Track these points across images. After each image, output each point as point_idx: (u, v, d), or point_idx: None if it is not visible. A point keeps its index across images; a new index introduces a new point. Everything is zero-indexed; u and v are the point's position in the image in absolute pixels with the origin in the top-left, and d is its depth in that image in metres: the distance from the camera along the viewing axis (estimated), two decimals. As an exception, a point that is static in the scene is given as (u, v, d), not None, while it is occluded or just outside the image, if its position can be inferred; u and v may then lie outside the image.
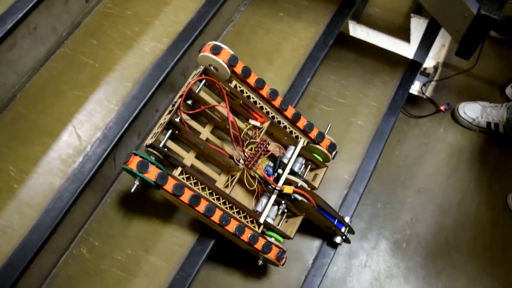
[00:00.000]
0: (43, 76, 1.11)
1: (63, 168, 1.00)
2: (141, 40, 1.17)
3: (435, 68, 1.83)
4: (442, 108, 1.73)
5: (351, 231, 1.24)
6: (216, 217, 0.95)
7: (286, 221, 1.14)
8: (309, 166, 1.16)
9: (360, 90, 1.46)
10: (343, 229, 1.20)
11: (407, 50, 1.61)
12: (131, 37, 1.17)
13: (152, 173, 0.88)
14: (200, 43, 1.24)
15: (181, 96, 0.94)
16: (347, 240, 1.26)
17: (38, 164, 1.00)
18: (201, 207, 0.93)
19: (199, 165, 1.02)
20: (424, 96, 1.70)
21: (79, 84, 1.10)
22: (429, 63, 1.83)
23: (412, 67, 1.52)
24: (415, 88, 1.72)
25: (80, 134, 1.04)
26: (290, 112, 1.11)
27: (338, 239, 1.26)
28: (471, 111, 1.71)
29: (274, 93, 1.07)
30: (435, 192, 1.60)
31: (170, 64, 1.13)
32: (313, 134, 1.15)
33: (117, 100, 1.09)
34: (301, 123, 1.13)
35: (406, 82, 1.49)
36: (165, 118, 0.94)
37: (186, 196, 0.91)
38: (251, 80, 1.05)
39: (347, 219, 1.27)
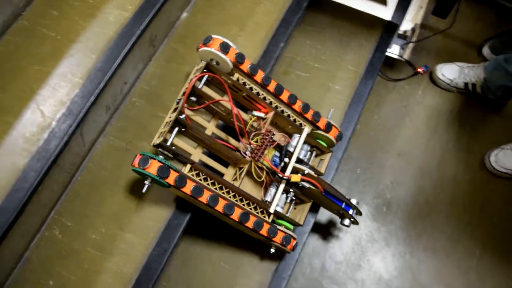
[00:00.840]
0: (0, 51, 1.05)
1: (27, 147, 0.95)
2: (104, 8, 1.11)
3: (413, 30, 1.79)
4: (420, 70, 1.70)
5: (358, 212, 1.25)
6: (235, 215, 0.96)
7: (295, 208, 1.16)
8: (314, 152, 1.16)
9: (337, 54, 1.43)
10: (350, 211, 1.20)
11: (384, 12, 1.56)
12: (94, 6, 1.11)
13: (154, 167, 0.88)
14: (167, 10, 1.19)
15: (184, 93, 0.94)
16: (355, 222, 1.27)
17: (0, 144, 0.95)
18: (220, 206, 0.94)
19: (207, 159, 1.03)
20: (402, 59, 1.67)
21: (40, 58, 1.04)
22: (406, 25, 1.79)
23: (389, 29, 1.49)
24: (393, 51, 1.68)
25: (44, 111, 0.99)
26: (298, 104, 1.11)
27: (346, 222, 1.25)
28: (448, 72, 1.69)
29: (280, 88, 1.07)
30: (414, 155, 1.59)
31: (136, 33, 1.08)
32: (322, 123, 1.15)
33: (81, 73, 1.03)
34: (309, 114, 1.13)
35: (383, 44, 1.45)
36: (170, 117, 0.94)
37: (205, 197, 0.92)
38: (258, 77, 1.05)
39: (354, 201, 1.25)
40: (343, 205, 1.17)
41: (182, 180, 0.90)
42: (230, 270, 1.19)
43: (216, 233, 1.23)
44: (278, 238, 1.06)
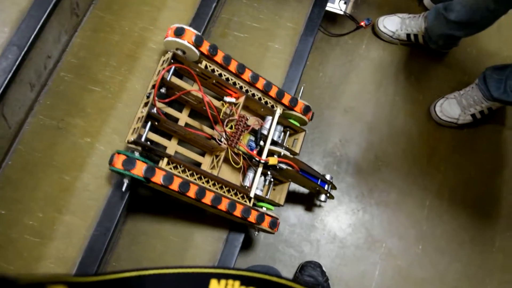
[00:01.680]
0: None
1: None
2: (15, -23, 1.01)
3: (353, -17, 1.76)
4: (362, 24, 1.68)
5: (333, 187, 1.29)
6: (207, 199, 0.96)
7: (274, 189, 1.18)
8: (288, 132, 1.18)
9: (274, 12, 1.38)
10: (326, 187, 1.25)
11: (322, -34, 1.52)
12: (3, -26, 1.01)
13: (139, 168, 0.87)
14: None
15: (153, 87, 0.93)
16: (331, 197, 1.32)
17: None
18: (192, 192, 0.93)
19: (182, 150, 1.02)
20: (343, 13, 1.63)
21: None
22: (347, -21, 1.75)
23: (327, -17, 1.45)
24: (335, 6, 1.64)
25: (-44, 93, 0.91)
26: (260, 83, 1.09)
27: (322, 197, 1.33)
28: (390, 24, 1.67)
29: (241, 67, 1.06)
30: (361, 110, 1.58)
31: (53, 1, 0.99)
32: (286, 100, 1.14)
33: (-6, 49, 0.95)
34: (273, 92, 1.12)
35: (322, -1, 1.41)
36: (142, 111, 0.93)
37: (175, 185, 0.91)
38: (218, 58, 1.03)
39: (328, 177, 1.32)
40: (319, 182, 1.22)
41: (169, 178, 0.90)
42: (180, 243, 1.16)
43: (163, 208, 1.19)
44: (266, 223, 1.09)
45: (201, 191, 0.94)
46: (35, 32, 0.96)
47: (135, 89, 1.11)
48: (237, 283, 0.52)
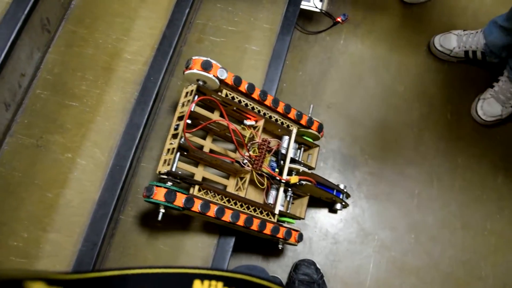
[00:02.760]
0: None
1: None
2: (-18, -3, 1.00)
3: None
4: (339, 19, 1.68)
5: (347, 195, 1.36)
6: (241, 221, 1.03)
7: (293, 203, 1.26)
8: (302, 148, 1.25)
9: (249, 14, 1.38)
10: (341, 196, 1.31)
11: (294, -35, 1.52)
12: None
13: (180, 200, 0.93)
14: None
15: (179, 118, 1.00)
16: (346, 205, 1.40)
17: None
18: (227, 216, 1.00)
19: (209, 176, 1.08)
20: (319, 10, 1.64)
21: None
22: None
23: (300, -19, 1.45)
24: (309, 3, 1.65)
25: None
26: (281, 107, 1.15)
27: (338, 206, 1.41)
28: (447, 42, 1.64)
29: (264, 94, 1.12)
30: (344, 105, 1.58)
31: (21, 18, 0.98)
32: (304, 120, 1.22)
33: (-36, 70, 0.94)
34: (292, 114, 1.19)
35: (295, -3, 1.42)
36: (171, 143, 0.98)
37: (212, 211, 0.98)
38: (243, 87, 1.08)
39: (342, 186, 1.38)
40: (335, 192, 1.29)
41: (206, 206, 0.97)
42: (171, 252, 1.15)
43: (151, 217, 1.18)
44: (293, 238, 1.16)
45: (236, 215, 1.01)
46: (5, 51, 0.95)
47: (113, 101, 1.11)
48: (220, 284, 0.51)
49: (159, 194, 0.92)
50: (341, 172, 1.50)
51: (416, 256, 1.43)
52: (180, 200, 0.93)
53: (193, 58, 1.02)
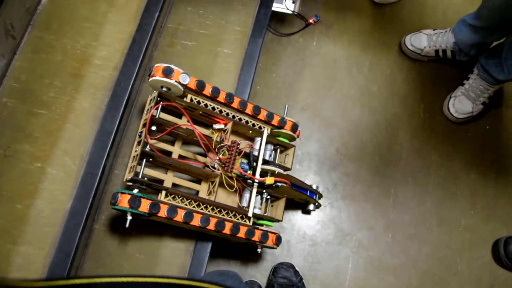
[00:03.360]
0: None
1: None
2: None
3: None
4: (311, 21, 1.69)
5: (320, 196, 1.37)
6: (211, 225, 1.01)
7: (272, 205, 1.24)
8: (278, 150, 1.25)
9: (220, 17, 1.37)
10: (314, 197, 1.33)
11: (265, -33, 1.52)
12: None
13: (144, 205, 0.93)
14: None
15: (144, 125, 0.98)
16: (318, 205, 1.41)
17: None
18: (196, 220, 0.99)
19: (180, 181, 1.08)
20: (291, 12, 1.64)
21: None
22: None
23: (271, -17, 1.45)
24: (283, 5, 1.65)
25: None
26: (249, 108, 1.15)
27: (311, 206, 1.41)
28: (418, 42, 1.67)
29: (230, 96, 1.11)
30: (318, 106, 1.58)
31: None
32: (276, 121, 1.20)
33: None
34: (262, 115, 1.18)
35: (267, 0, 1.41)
36: (136, 151, 0.99)
37: (179, 216, 0.97)
38: (207, 91, 1.08)
39: (314, 186, 1.39)
40: (308, 193, 1.30)
41: (173, 211, 0.95)
42: (148, 260, 1.13)
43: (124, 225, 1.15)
44: (270, 240, 1.14)
45: (205, 219, 1.00)
46: (-32, 59, 0.92)
47: (83, 108, 1.08)
48: None
49: (124, 201, 0.92)
50: (317, 173, 1.50)
51: (394, 255, 1.44)
52: (145, 206, 0.93)
53: (155, 65, 1.03)
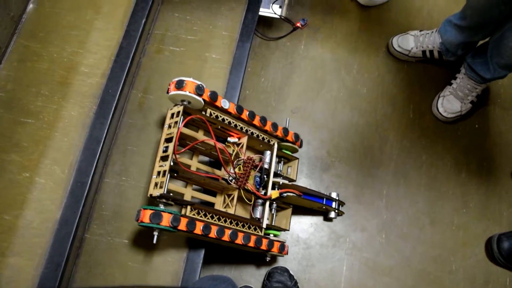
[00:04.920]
0: None
1: None
2: None
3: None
4: (298, 24, 1.69)
5: (341, 203, 1.39)
6: (226, 236, 1.04)
7: (277, 215, 1.29)
8: (282, 161, 1.30)
9: (208, 23, 1.37)
10: (333, 205, 1.35)
11: (251, -28, 1.52)
12: None
13: (166, 220, 0.93)
14: (2, 2, 1.06)
15: (167, 140, 1.00)
16: (340, 213, 1.41)
17: None
18: (213, 233, 1.01)
19: (198, 195, 1.09)
20: (278, 16, 1.64)
21: None
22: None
23: (257, -12, 1.45)
24: (269, 11, 1.65)
25: None
26: (256, 119, 1.17)
27: (332, 214, 1.41)
28: (405, 43, 1.67)
29: (240, 108, 1.13)
30: (308, 109, 1.58)
31: (-31, 34, 0.95)
32: (280, 131, 1.24)
33: None
34: (268, 126, 1.21)
35: (254, 4, 1.41)
36: (161, 165, 0.98)
37: (198, 229, 0.98)
38: (232, 108, 1.11)
39: (334, 194, 1.40)
40: (324, 201, 1.31)
41: (192, 223, 0.96)
42: (140, 268, 1.11)
43: (117, 234, 1.14)
44: (276, 248, 1.19)
45: (221, 231, 1.02)
46: (-48, 69, 0.91)
47: (71, 116, 1.07)
48: None
49: (145, 217, 0.92)
50: (309, 176, 1.49)
51: (388, 256, 1.44)
52: (166, 220, 0.93)
53: (185, 79, 1.02)
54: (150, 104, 1.25)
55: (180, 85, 1.01)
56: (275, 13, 1.63)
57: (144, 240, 1.13)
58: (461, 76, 1.59)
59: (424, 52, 1.66)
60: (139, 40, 1.16)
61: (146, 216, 0.92)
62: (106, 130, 1.06)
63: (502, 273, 1.45)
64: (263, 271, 1.36)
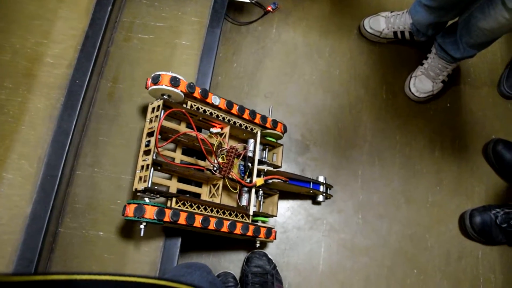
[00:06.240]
0: None
1: None
2: None
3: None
4: (269, 8, 1.68)
5: (329, 186, 1.41)
6: (211, 225, 1.05)
7: (264, 202, 1.31)
8: (267, 149, 1.32)
9: (177, 9, 1.34)
10: (321, 188, 1.37)
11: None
12: None
13: (150, 212, 0.94)
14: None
15: (149, 134, 1.01)
16: (328, 196, 1.43)
17: None
18: (197, 222, 1.02)
19: (183, 186, 1.10)
20: (249, 1, 1.63)
21: None
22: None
23: (226, -28, 1.43)
24: (239, -5, 1.63)
25: None
26: (246, 113, 1.20)
27: (320, 198, 1.43)
28: (376, 24, 1.68)
29: (230, 104, 1.15)
30: (281, 94, 1.58)
31: None
32: (269, 123, 1.26)
33: None
34: (258, 118, 1.23)
35: (223, -12, 1.39)
36: (144, 159, 0.99)
37: (182, 219, 0.99)
38: (209, 99, 1.11)
39: (321, 178, 1.41)
40: (311, 185, 1.33)
41: (176, 214, 0.98)
42: (117, 260, 1.10)
43: (91, 226, 1.12)
44: (262, 233, 1.20)
45: (206, 220, 1.03)
46: None
47: (37, 109, 1.05)
48: None
49: (130, 211, 0.94)
50: (284, 160, 1.49)
51: (365, 236, 1.45)
52: (151, 213, 0.94)
53: (161, 74, 1.03)
54: (120, 93, 1.22)
55: (155, 80, 1.02)
56: (245, -3, 1.62)
57: (120, 231, 1.12)
58: (432, 56, 1.61)
59: (395, 33, 1.67)
60: (106, 28, 1.13)
61: (131, 210, 0.94)
62: (74, 122, 1.04)
63: (475, 247, 1.48)
64: (242, 256, 1.36)
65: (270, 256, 1.35)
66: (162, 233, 1.13)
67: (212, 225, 1.05)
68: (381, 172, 1.54)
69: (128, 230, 1.12)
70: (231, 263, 1.36)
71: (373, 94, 1.64)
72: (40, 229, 0.95)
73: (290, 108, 1.56)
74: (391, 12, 1.69)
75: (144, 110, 1.20)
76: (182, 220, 0.99)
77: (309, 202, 1.46)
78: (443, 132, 1.63)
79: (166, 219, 0.96)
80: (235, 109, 1.17)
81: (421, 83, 1.61)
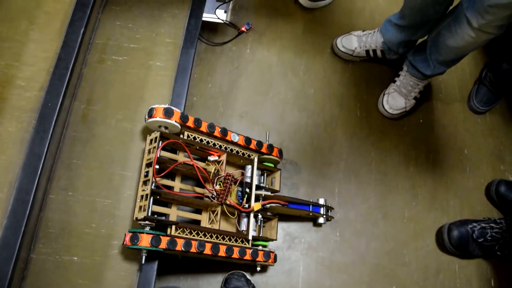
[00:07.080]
0: None
1: None
2: None
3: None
4: (243, 29, 1.70)
5: (329, 208, 1.44)
6: (207, 250, 1.09)
7: (264, 226, 1.35)
8: (265, 174, 1.36)
9: (151, 30, 1.35)
10: (321, 211, 1.40)
11: (192, -22, 1.51)
12: None
13: (145, 240, 0.99)
14: None
15: (147, 165, 1.07)
16: (329, 218, 1.45)
17: None
18: (194, 248, 1.06)
19: (183, 214, 1.14)
20: (223, 21, 1.64)
21: None
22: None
23: (199, -6, 1.44)
24: (213, 16, 1.65)
25: None
26: (241, 139, 1.27)
27: (321, 220, 1.44)
28: (348, 43, 1.71)
29: (224, 130, 1.22)
30: (256, 113, 1.59)
31: None
32: (265, 148, 1.33)
33: None
34: (253, 144, 1.30)
35: (196, 10, 1.40)
36: (144, 189, 1.05)
37: (179, 246, 1.04)
38: (204, 127, 1.18)
39: (322, 201, 1.44)
40: (311, 208, 1.35)
41: (173, 242, 1.02)
42: (92, 285, 1.08)
43: (65, 252, 1.10)
44: (260, 257, 1.24)
45: (201, 245, 1.07)
46: None
47: (8, 133, 1.03)
48: None
49: (127, 240, 1.00)
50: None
51: (343, 253, 1.46)
52: (146, 241, 0.99)
53: (155, 107, 1.10)
54: (94, 115, 1.21)
55: (150, 113, 1.10)
56: (219, 18, 1.63)
57: (94, 256, 1.09)
58: (404, 74, 1.64)
59: (367, 51, 1.70)
60: (79, 50, 1.13)
61: (127, 239, 1.00)
62: (47, 145, 1.02)
63: (452, 261, 1.50)
64: (220, 278, 1.35)
65: (248, 277, 1.34)
66: (138, 257, 1.11)
67: (208, 250, 1.08)
68: (358, 189, 1.55)
69: (103, 254, 1.10)
70: (210, 285, 1.34)
71: (347, 112, 1.66)
72: (11, 256, 0.92)
73: (266, 127, 1.57)
74: (363, 31, 1.72)
75: (119, 132, 1.19)
76: (179, 247, 1.03)
77: (286, 220, 1.46)
78: (417, 147, 1.66)
79: (163, 246, 1.00)
80: (229, 136, 1.22)
81: (394, 100, 1.64)
